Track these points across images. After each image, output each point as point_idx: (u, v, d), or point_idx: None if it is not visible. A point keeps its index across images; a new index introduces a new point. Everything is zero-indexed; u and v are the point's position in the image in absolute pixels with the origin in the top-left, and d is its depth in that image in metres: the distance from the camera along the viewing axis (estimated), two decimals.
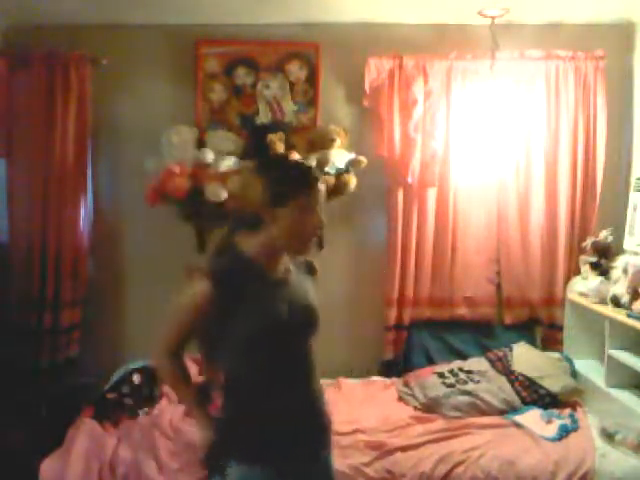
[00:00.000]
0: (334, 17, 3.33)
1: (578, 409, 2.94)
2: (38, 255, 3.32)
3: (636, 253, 3.13)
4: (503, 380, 3.06)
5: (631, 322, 2.70)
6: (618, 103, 3.41)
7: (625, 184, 3.40)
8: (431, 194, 3.46)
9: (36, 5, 3.07)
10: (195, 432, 2.64)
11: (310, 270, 1.81)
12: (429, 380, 3.09)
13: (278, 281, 1.65)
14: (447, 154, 3.44)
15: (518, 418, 2.83)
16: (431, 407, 2.95)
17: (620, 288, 2.91)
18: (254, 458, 1.56)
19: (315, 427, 1.67)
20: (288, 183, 1.59)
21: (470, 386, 3.00)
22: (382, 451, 2.55)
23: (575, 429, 2.73)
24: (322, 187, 1.65)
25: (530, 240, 3.46)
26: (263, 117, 3.48)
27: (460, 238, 3.48)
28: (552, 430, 2.70)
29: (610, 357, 2.86)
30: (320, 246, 3.53)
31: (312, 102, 3.49)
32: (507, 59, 3.34)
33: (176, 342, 1.63)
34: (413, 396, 3.08)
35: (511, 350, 3.26)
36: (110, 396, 2.97)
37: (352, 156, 3.33)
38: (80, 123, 3.33)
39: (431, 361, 3.39)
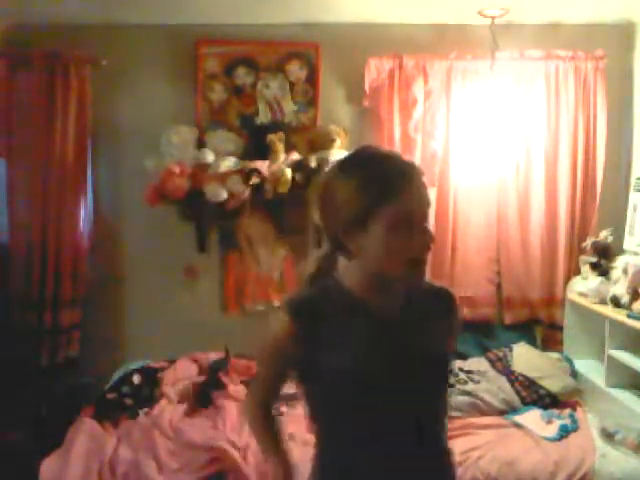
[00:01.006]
0: (334, 17, 3.33)
1: (578, 409, 2.94)
2: (38, 255, 3.31)
3: (636, 253, 3.13)
4: (503, 380, 3.05)
5: (631, 322, 2.70)
6: (618, 103, 3.41)
7: (625, 184, 3.40)
8: (431, 194, 3.44)
9: (36, 5, 3.07)
10: (195, 432, 2.67)
11: (448, 302, 1.38)
12: None
13: (385, 318, 1.27)
14: (447, 154, 3.44)
15: (518, 418, 2.83)
16: None
17: (620, 288, 2.91)
18: None
19: None
20: (365, 192, 1.21)
21: (470, 386, 3.00)
22: None
23: (575, 429, 2.72)
24: (424, 188, 1.24)
25: (530, 240, 3.46)
26: (263, 117, 3.48)
27: (460, 238, 3.48)
28: (552, 430, 2.69)
29: (610, 357, 2.86)
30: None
31: (312, 102, 3.49)
32: (507, 59, 3.33)
33: (264, 389, 1.38)
34: None
35: (511, 350, 3.26)
36: (110, 396, 2.97)
37: None
38: (80, 123, 3.33)
39: None
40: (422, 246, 1.22)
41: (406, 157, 1.29)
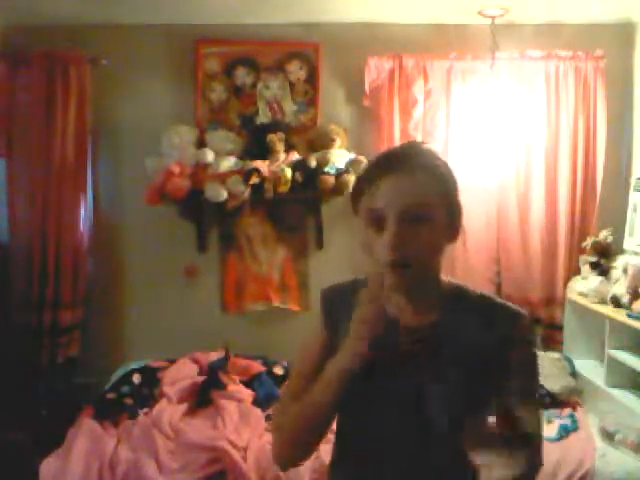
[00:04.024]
0: (334, 17, 3.33)
1: (578, 409, 2.94)
2: (38, 255, 3.31)
3: (636, 253, 3.13)
4: None
5: (631, 322, 2.70)
6: (618, 103, 3.41)
7: (625, 184, 3.40)
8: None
9: (36, 5, 3.07)
10: (195, 432, 2.67)
11: (505, 327, 1.11)
12: None
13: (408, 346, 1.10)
14: (447, 154, 3.43)
15: None
16: None
17: (620, 288, 2.91)
18: None
19: None
20: (357, 180, 1.15)
21: None
22: None
23: (575, 429, 2.72)
24: (408, 184, 1.04)
25: (530, 240, 3.46)
26: (263, 117, 3.48)
27: (460, 238, 3.47)
28: (552, 430, 2.70)
29: (610, 357, 2.86)
30: (320, 246, 3.54)
31: (312, 102, 3.48)
32: (507, 59, 3.33)
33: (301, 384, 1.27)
34: None
35: None
36: (110, 396, 2.98)
37: (352, 156, 3.33)
38: (80, 123, 3.33)
39: None
40: (387, 250, 1.05)
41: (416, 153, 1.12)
